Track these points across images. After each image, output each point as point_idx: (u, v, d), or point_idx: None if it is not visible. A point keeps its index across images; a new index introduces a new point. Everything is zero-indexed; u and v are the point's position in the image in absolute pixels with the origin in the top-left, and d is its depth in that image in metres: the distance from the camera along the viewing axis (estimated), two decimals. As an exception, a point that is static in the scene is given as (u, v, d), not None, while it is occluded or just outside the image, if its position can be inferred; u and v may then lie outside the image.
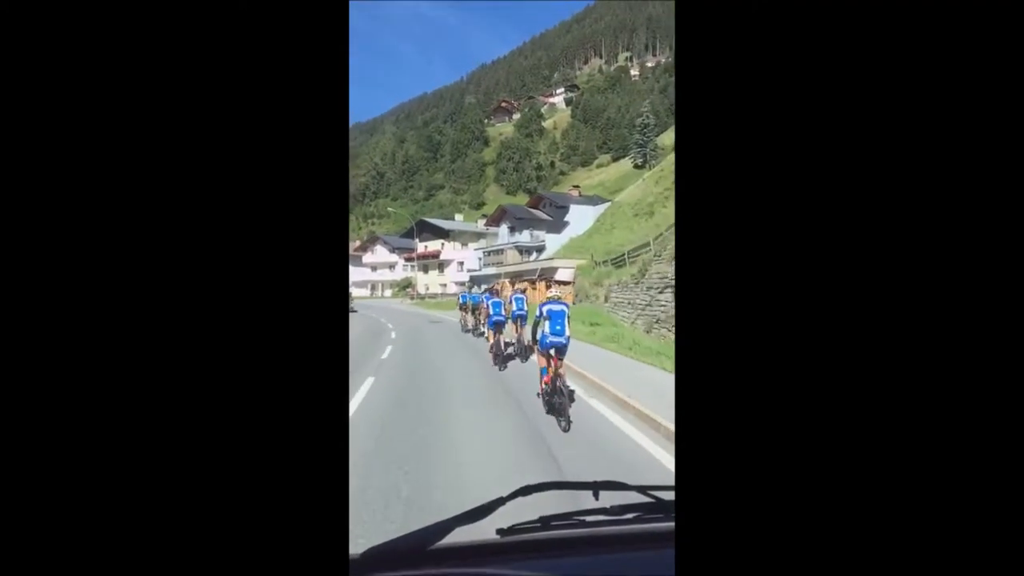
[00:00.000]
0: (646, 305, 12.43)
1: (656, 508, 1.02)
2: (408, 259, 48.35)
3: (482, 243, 42.20)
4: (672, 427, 4.37)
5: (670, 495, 0.99)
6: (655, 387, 6.12)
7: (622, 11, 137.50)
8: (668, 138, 59.07)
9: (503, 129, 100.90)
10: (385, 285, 51.02)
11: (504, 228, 39.30)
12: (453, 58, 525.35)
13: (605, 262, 20.12)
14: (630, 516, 1.01)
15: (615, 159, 78.55)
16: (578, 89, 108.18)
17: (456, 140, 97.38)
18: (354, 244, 54.65)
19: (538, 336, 5.26)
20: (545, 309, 5.21)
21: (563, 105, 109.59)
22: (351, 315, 18.87)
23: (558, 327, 5.11)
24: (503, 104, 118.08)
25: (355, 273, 47.47)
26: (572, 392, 5.71)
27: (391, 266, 52.20)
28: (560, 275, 23.78)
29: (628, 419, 5.11)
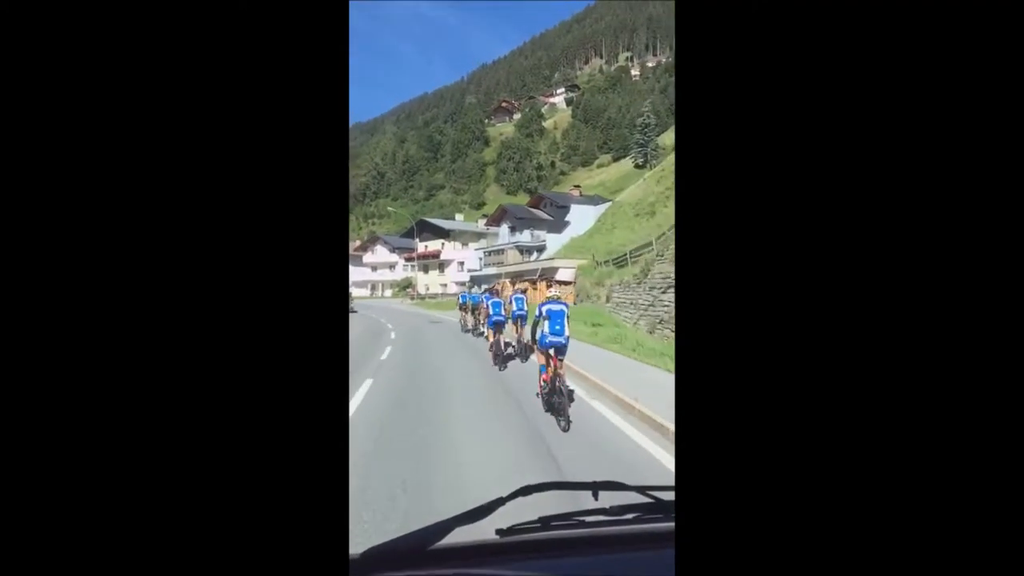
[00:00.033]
0: (649, 305, 12.41)
1: (656, 508, 1.02)
2: (408, 259, 48.34)
3: (482, 243, 42.18)
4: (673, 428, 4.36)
5: (670, 495, 0.99)
6: (660, 389, 6.03)
7: (622, 11, 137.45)
8: (669, 138, 58.97)
9: (503, 129, 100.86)
10: (385, 285, 51.00)
11: (505, 228, 39.26)
12: (453, 58, 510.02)
13: (606, 262, 20.10)
14: (630, 516, 1.01)
15: (616, 159, 78.52)
16: (579, 89, 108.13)
17: (456, 140, 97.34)
18: (354, 244, 54.62)
19: (537, 336, 5.28)
20: (544, 309, 5.22)
21: (564, 105, 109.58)
22: (351, 315, 18.86)
23: (557, 327, 5.12)
24: (503, 104, 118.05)
25: (355, 273, 47.45)
26: (572, 392, 5.70)
27: (391, 266, 52.19)
28: (561, 275, 23.75)
29: (631, 421, 5.09)
